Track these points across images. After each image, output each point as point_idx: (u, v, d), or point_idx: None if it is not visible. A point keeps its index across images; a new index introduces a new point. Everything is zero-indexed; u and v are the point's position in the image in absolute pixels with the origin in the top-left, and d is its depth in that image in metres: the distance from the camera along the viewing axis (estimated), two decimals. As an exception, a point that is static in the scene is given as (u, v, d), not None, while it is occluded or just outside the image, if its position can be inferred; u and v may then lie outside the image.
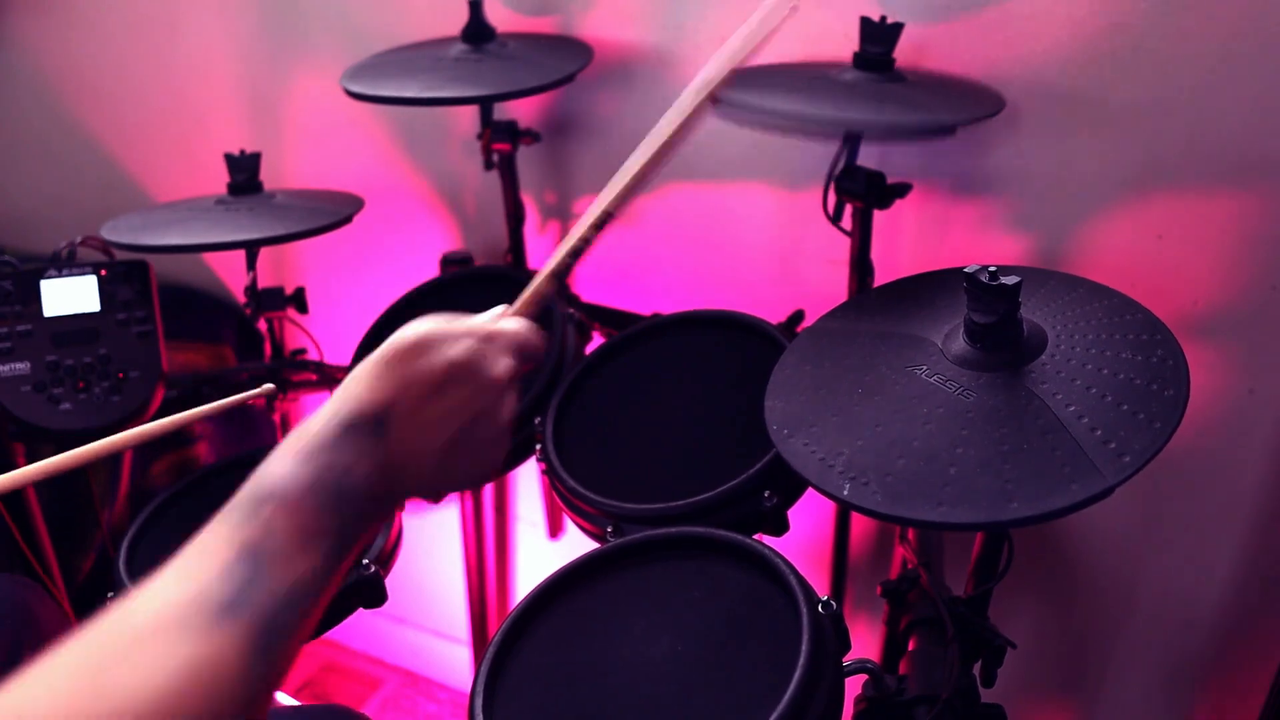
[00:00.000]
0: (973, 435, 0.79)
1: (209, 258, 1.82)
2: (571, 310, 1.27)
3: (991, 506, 0.73)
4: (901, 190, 1.15)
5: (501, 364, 0.70)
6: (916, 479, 0.77)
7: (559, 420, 1.14)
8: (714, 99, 0.82)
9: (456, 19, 1.31)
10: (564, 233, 1.54)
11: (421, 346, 0.68)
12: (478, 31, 1.31)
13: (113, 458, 1.59)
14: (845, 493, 0.78)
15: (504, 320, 0.73)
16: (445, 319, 0.70)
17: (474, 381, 0.68)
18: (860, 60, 1.10)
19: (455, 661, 1.93)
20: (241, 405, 0.86)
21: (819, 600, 0.80)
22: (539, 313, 0.78)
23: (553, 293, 0.78)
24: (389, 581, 1.08)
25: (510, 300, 0.80)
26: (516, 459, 1.20)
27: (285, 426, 1.48)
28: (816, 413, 0.88)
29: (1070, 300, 0.90)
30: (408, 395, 0.66)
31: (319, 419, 0.65)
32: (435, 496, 0.69)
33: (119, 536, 1.12)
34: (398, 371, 0.67)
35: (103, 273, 1.26)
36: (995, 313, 0.82)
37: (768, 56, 1.23)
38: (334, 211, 1.26)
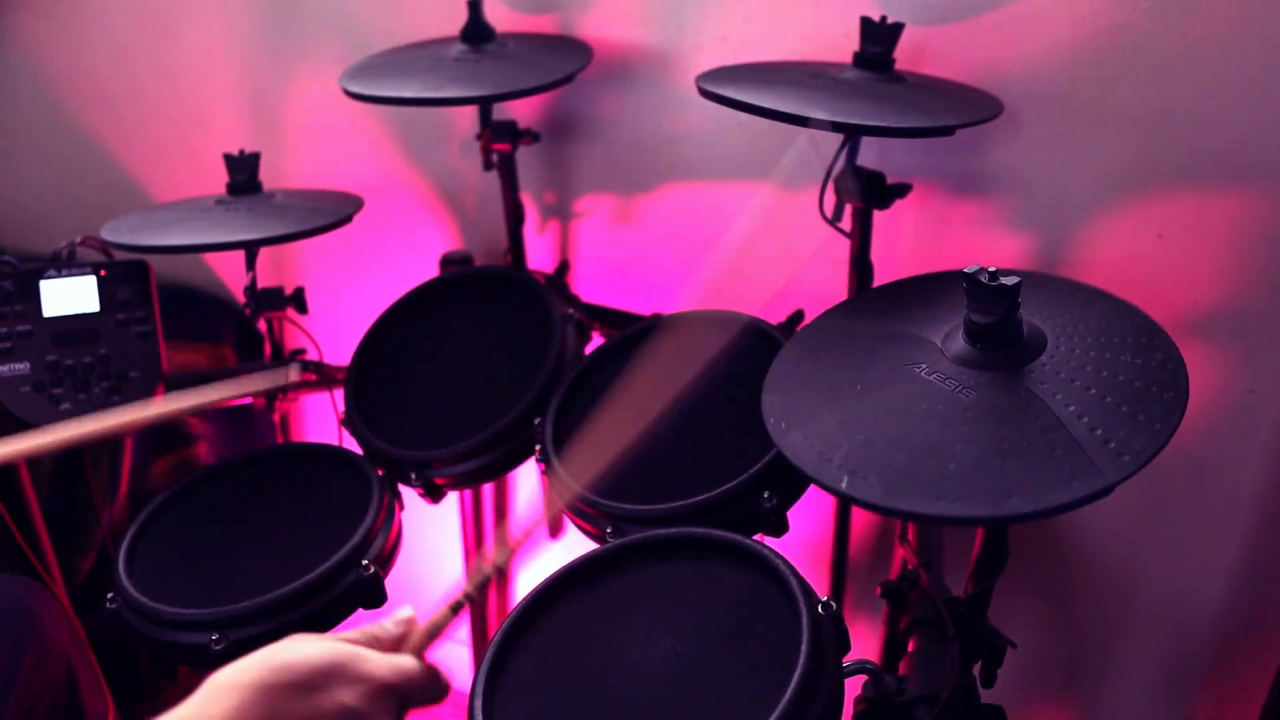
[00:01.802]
0: (972, 432, 0.79)
1: (209, 258, 1.82)
2: (571, 310, 1.27)
3: (991, 501, 0.73)
4: (901, 190, 1.15)
5: None
6: (916, 473, 0.77)
7: (559, 420, 1.14)
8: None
9: (456, 19, 1.31)
10: (564, 232, 1.54)
11: (304, 685, 0.62)
12: (477, 31, 1.31)
13: (112, 458, 1.59)
14: (844, 485, 0.78)
15: (400, 663, 0.69)
16: (336, 648, 0.65)
17: None
18: (860, 60, 1.10)
19: (455, 661, 1.93)
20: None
21: (819, 600, 0.80)
22: (430, 647, 0.76)
23: (444, 631, 0.76)
24: (389, 581, 1.08)
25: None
26: (516, 459, 1.20)
27: (285, 426, 1.48)
28: (815, 407, 0.88)
29: (1070, 303, 0.90)
30: None
31: None
32: None
33: (119, 536, 1.12)
34: (269, 707, 0.61)
35: (102, 273, 1.26)
36: (995, 313, 0.82)
37: (768, 55, 1.24)
38: (333, 211, 1.26)
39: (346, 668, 0.64)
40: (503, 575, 0.75)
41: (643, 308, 1.39)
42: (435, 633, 0.74)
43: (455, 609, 0.75)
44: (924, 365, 0.86)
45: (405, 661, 0.69)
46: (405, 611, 0.74)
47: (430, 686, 0.71)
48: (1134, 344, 0.83)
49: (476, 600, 0.76)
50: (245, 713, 0.60)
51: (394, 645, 0.72)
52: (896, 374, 0.87)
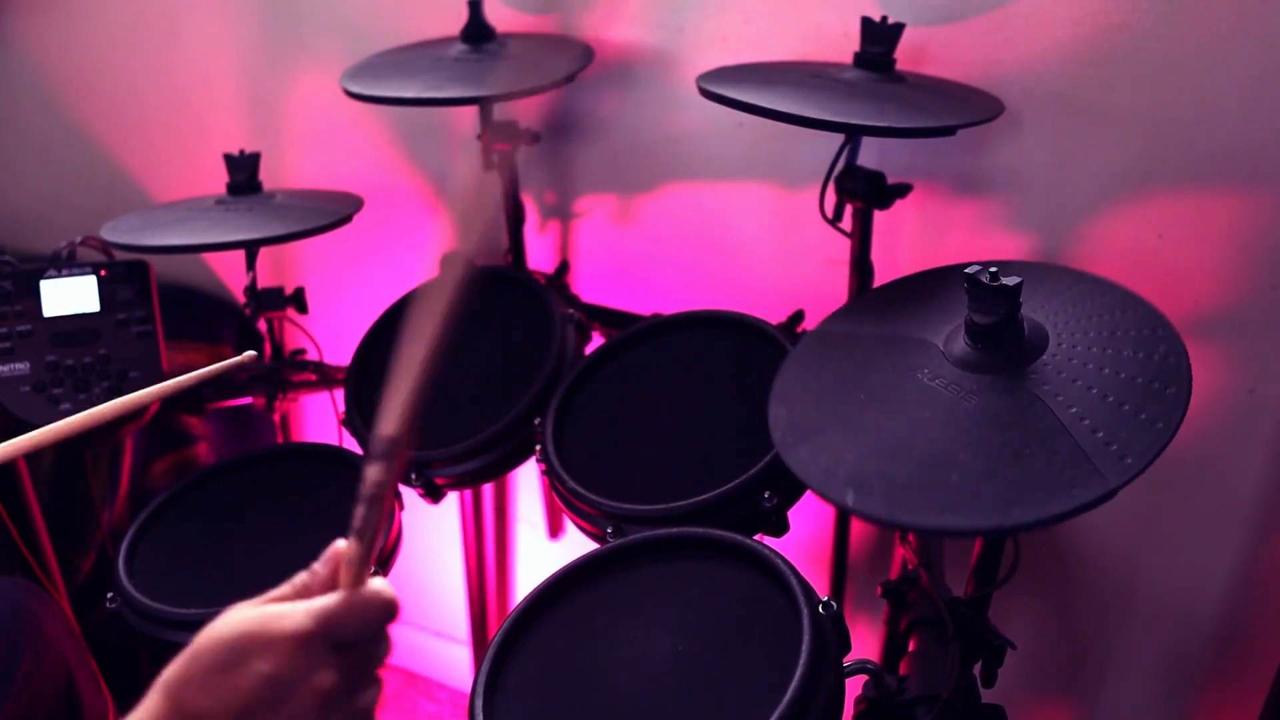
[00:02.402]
0: (974, 440, 0.79)
1: (209, 258, 1.82)
2: (571, 310, 1.27)
3: (993, 512, 0.73)
4: (901, 190, 1.15)
5: (321, 676, 0.59)
6: (919, 485, 0.77)
7: (559, 420, 1.14)
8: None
9: (456, 19, 1.31)
10: (564, 232, 1.54)
11: (219, 665, 0.58)
12: (477, 31, 1.31)
13: (112, 458, 1.59)
14: (849, 501, 0.78)
15: (318, 606, 0.60)
16: (248, 615, 0.59)
17: (289, 704, 0.58)
18: (861, 60, 1.10)
19: (455, 661, 1.93)
20: (224, 373, 0.83)
21: (819, 600, 0.80)
22: (364, 571, 0.63)
23: (368, 552, 0.63)
24: (389, 581, 1.08)
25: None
26: (516, 459, 1.20)
27: (285, 426, 1.48)
28: (820, 420, 0.88)
29: (1072, 296, 0.90)
30: None
31: None
32: None
33: (119, 536, 1.12)
34: (195, 692, 0.58)
35: (102, 273, 1.26)
36: (996, 313, 0.82)
37: (768, 55, 1.24)
38: (333, 211, 1.26)
39: (257, 634, 0.58)
40: (382, 491, 0.61)
41: (643, 308, 1.39)
42: (364, 552, 0.63)
43: (369, 529, 0.63)
44: (926, 370, 0.86)
45: (323, 603, 0.60)
46: (333, 547, 0.64)
47: (363, 615, 0.61)
48: (1136, 337, 0.83)
49: (391, 494, 0.65)
50: (174, 708, 0.58)
51: (327, 587, 0.63)
52: (900, 381, 0.87)
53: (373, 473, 0.63)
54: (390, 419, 0.64)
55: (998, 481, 0.75)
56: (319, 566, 0.64)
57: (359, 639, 0.61)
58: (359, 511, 0.64)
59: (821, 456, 0.83)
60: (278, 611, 0.60)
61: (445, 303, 0.69)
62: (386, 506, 0.64)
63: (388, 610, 0.62)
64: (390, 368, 0.65)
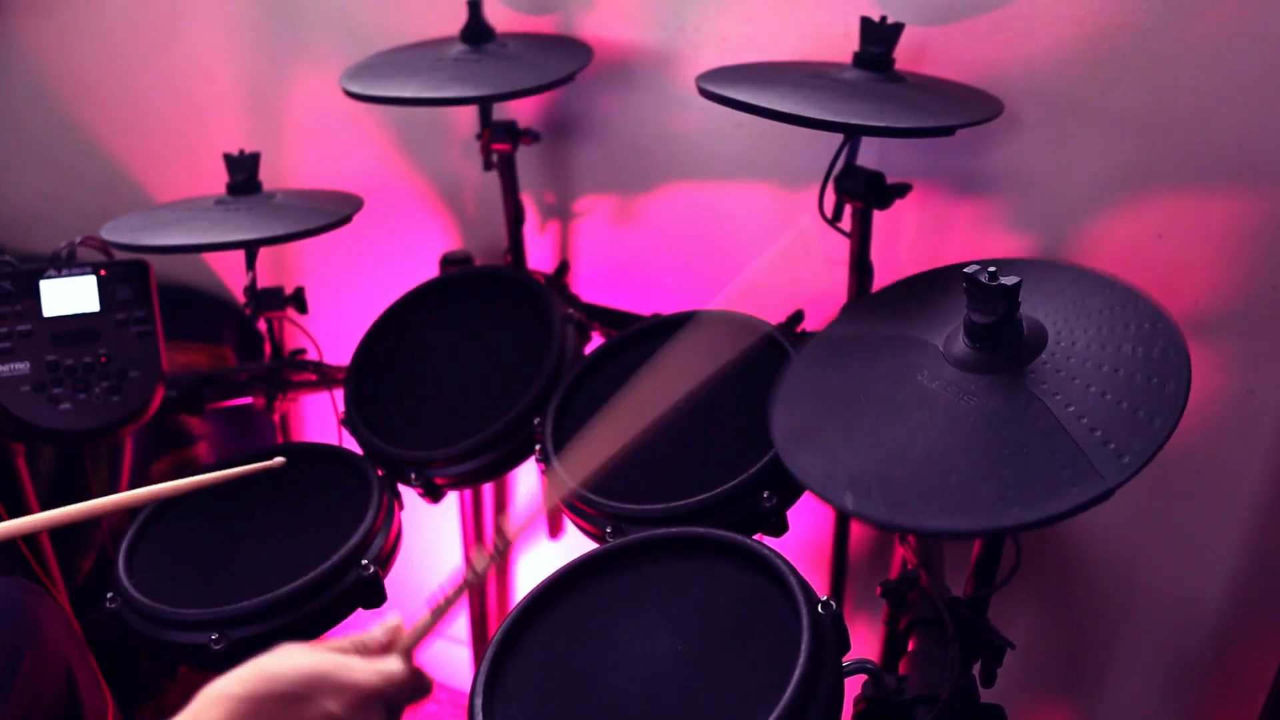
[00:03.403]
0: (973, 440, 0.79)
1: (209, 258, 1.82)
2: (571, 310, 1.27)
3: (991, 513, 0.74)
4: (901, 190, 1.15)
5: None
6: (917, 487, 0.77)
7: (559, 420, 1.14)
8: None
9: (456, 19, 1.31)
10: (564, 232, 1.54)
11: (291, 695, 0.64)
12: (477, 31, 1.31)
13: (112, 458, 1.59)
14: (849, 504, 0.79)
15: (386, 667, 0.71)
16: (322, 658, 0.67)
17: None
18: (860, 60, 1.10)
19: (455, 661, 1.93)
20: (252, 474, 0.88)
21: (819, 600, 0.80)
22: (417, 649, 0.76)
23: (434, 628, 0.76)
24: (389, 581, 1.08)
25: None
26: (516, 459, 1.20)
27: (285, 427, 1.48)
28: (821, 424, 0.89)
29: (1071, 293, 0.90)
30: None
31: None
32: None
33: (119, 536, 1.12)
34: (265, 711, 0.63)
35: (102, 273, 1.26)
36: (995, 313, 0.82)
37: (768, 55, 1.24)
38: (333, 211, 1.26)
39: (331, 677, 0.66)
40: (482, 579, 0.75)
41: (643, 308, 1.39)
42: (421, 635, 0.75)
43: (439, 612, 0.76)
44: (926, 371, 0.86)
45: (389, 666, 0.71)
46: (393, 619, 0.76)
47: (415, 688, 0.73)
48: (1135, 333, 0.83)
49: (459, 601, 0.77)
50: None
51: (381, 651, 0.74)
52: (899, 383, 0.87)
53: (479, 564, 0.77)
54: (513, 522, 0.79)
55: (996, 482, 0.75)
56: (378, 633, 0.74)
57: (402, 706, 0.71)
58: (445, 592, 0.76)
59: (821, 460, 0.84)
60: (350, 662, 0.68)
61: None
62: (469, 592, 0.76)
63: (428, 690, 0.74)
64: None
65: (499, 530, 0.83)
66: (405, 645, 0.74)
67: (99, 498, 0.80)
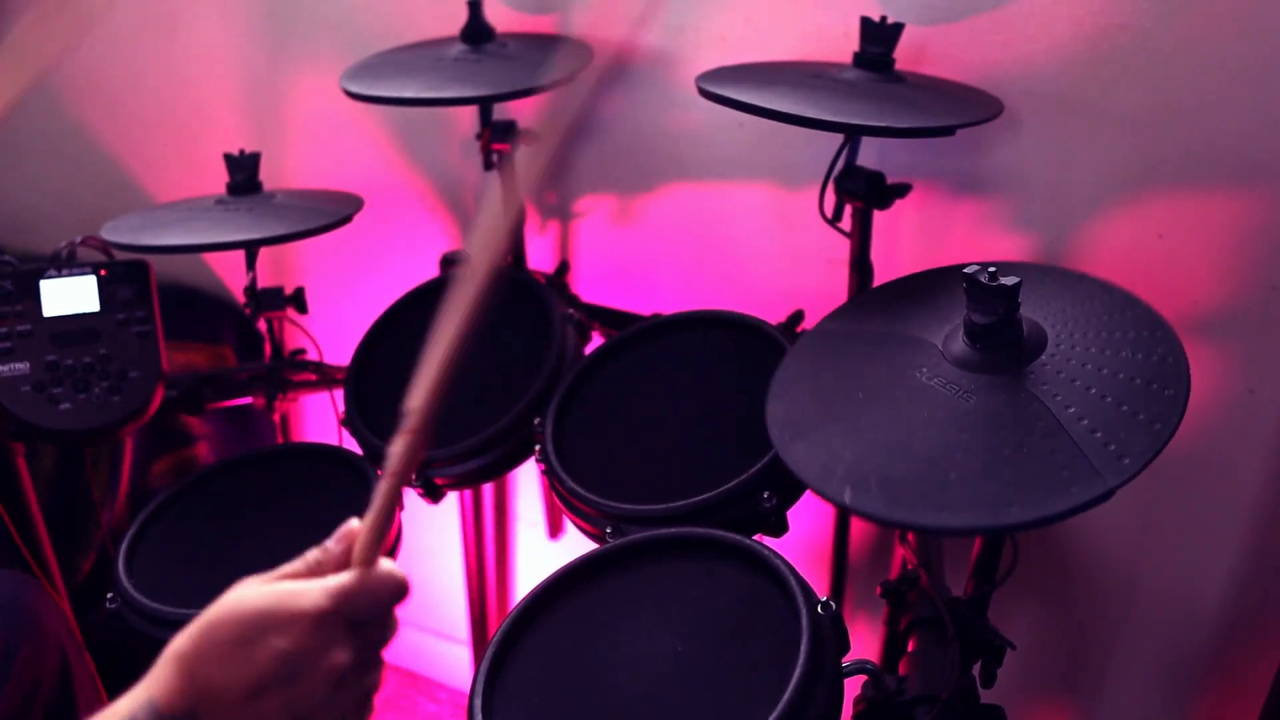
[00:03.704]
0: (973, 439, 0.79)
1: (209, 258, 1.82)
2: (571, 310, 1.27)
3: (991, 511, 0.73)
4: (901, 190, 1.15)
5: (336, 654, 0.60)
6: (917, 484, 0.77)
7: (559, 420, 1.14)
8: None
9: (456, 19, 1.31)
10: (564, 232, 1.54)
11: (237, 639, 0.58)
12: (477, 31, 1.31)
13: (112, 458, 1.59)
14: (847, 499, 0.78)
15: (333, 584, 0.61)
16: (267, 591, 0.60)
17: (303, 681, 0.59)
18: (860, 60, 1.10)
19: (455, 661, 1.93)
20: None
21: (819, 601, 0.80)
22: (376, 551, 0.64)
23: (383, 530, 0.65)
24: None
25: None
26: (516, 459, 1.20)
27: (285, 427, 1.48)
28: (818, 418, 0.88)
29: (1071, 298, 0.90)
30: (221, 698, 0.58)
31: (125, 706, 0.58)
32: None
33: (119, 536, 1.13)
34: (209, 666, 0.58)
35: (102, 273, 1.26)
36: (995, 313, 0.82)
37: (768, 55, 1.24)
38: (333, 211, 1.26)
39: (275, 610, 0.59)
40: (410, 466, 0.64)
41: (643, 308, 1.39)
42: (379, 532, 0.64)
43: (386, 506, 0.65)
44: (925, 369, 0.86)
45: (339, 581, 0.61)
46: (347, 524, 0.66)
47: (376, 594, 0.62)
48: (1135, 339, 0.83)
49: (410, 472, 0.66)
50: (188, 680, 0.58)
51: (339, 565, 0.64)
52: (898, 380, 0.87)
53: (396, 447, 0.65)
54: (418, 395, 0.67)
55: (996, 480, 0.75)
56: (332, 544, 0.65)
57: (372, 618, 0.62)
58: (378, 488, 0.65)
59: (819, 454, 0.84)
60: (295, 589, 0.60)
61: (478, 287, 0.71)
62: (404, 484, 0.65)
63: (399, 590, 0.63)
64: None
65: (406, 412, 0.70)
66: (362, 552, 0.63)
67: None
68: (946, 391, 0.83)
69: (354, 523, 0.65)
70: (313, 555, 0.64)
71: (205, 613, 0.60)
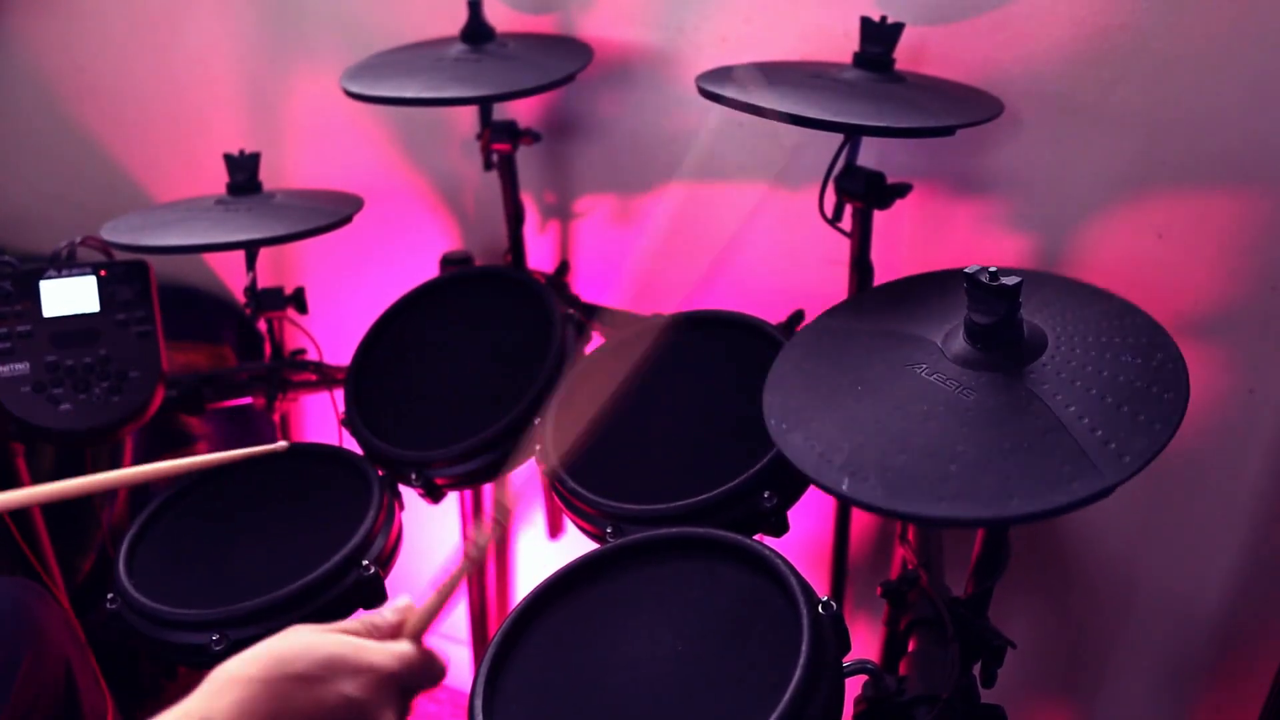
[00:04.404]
0: (973, 434, 0.79)
1: (209, 258, 1.82)
2: (571, 310, 1.27)
3: (992, 503, 0.73)
4: (901, 190, 1.15)
5: (386, 713, 0.66)
6: (916, 475, 0.77)
7: (559, 420, 1.14)
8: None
9: (456, 19, 1.31)
10: (564, 232, 1.54)
11: (307, 677, 0.62)
12: (477, 31, 1.31)
13: (112, 459, 1.59)
14: (844, 487, 0.78)
15: (400, 650, 0.69)
16: (337, 640, 0.66)
17: None
18: (860, 60, 1.10)
19: (455, 661, 1.93)
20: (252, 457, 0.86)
21: (819, 600, 0.80)
22: (428, 630, 0.74)
23: (443, 608, 0.74)
24: (389, 581, 1.08)
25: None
26: (516, 459, 1.20)
27: (285, 426, 1.48)
28: (815, 408, 0.88)
29: (1070, 303, 0.90)
30: None
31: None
32: None
33: (119, 536, 1.12)
34: (275, 700, 0.61)
35: (102, 273, 1.26)
36: (995, 313, 0.82)
37: (768, 55, 1.24)
38: (333, 211, 1.26)
39: (348, 659, 0.64)
40: (483, 554, 0.74)
41: (643, 308, 1.39)
42: (431, 617, 0.73)
43: (446, 592, 0.74)
44: (924, 366, 0.86)
45: (404, 648, 0.70)
46: (402, 600, 0.74)
47: (429, 671, 0.71)
48: (1135, 344, 0.83)
49: (462, 580, 0.75)
50: (250, 706, 0.60)
51: (392, 633, 0.72)
52: (897, 374, 0.87)
53: (480, 538, 0.75)
54: (508, 492, 0.76)
55: (996, 473, 0.75)
56: (389, 614, 0.73)
57: (418, 689, 0.70)
58: (450, 570, 0.73)
59: (816, 443, 0.83)
60: (366, 645, 0.67)
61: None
62: (472, 570, 0.71)
63: (443, 673, 0.73)
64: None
65: (497, 503, 0.82)
66: (415, 627, 0.73)
67: (101, 473, 0.77)
68: (946, 387, 0.83)
69: (406, 598, 0.74)
70: (369, 618, 0.71)
71: (269, 645, 0.64)
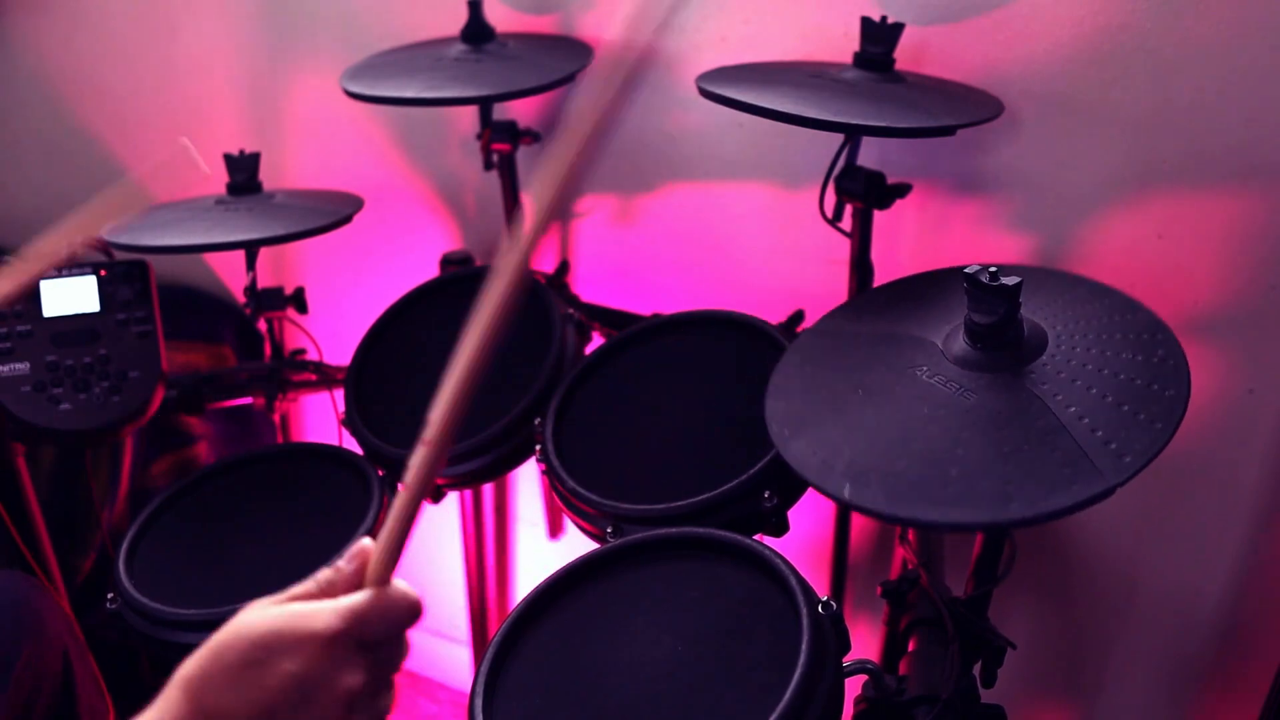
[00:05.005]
0: (973, 436, 0.79)
1: (209, 258, 1.82)
2: (571, 310, 1.27)
3: (992, 507, 0.73)
4: (901, 190, 1.15)
5: (348, 676, 0.58)
6: (918, 480, 0.77)
7: (559, 420, 1.14)
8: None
9: (456, 19, 1.31)
10: (564, 232, 1.54)
11: (245, 664, 0.57)
12: (477, 31, 1.31)
13: (112, 458, 1.59)
14: (846, 493, 0.78)
15: (346, 605, 0.59)
16: (278, 613, 0.58)
17: (314, 705, 0.57)
18: (860, 60, 1.10)
19: (455, 661, 1.93)
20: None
21: (819, 600, 0.80)
22: (391, 570, 0.62)
23: (398, 548, 0.62)
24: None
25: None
26: (516, 459, 1.20)
27: (285, 426, 1.48)
28: (817, 414, 0.88)
29: (1071, 300, 0.90)
30: None
31: None
32: None
33: (119, 536, 1.12)
34: (217, 691, 0.57)
35: (102, 273, 1.26)
36: (995, 313, 0.82)
37: (768, 55, 1.24)
38: (333, 211, 1.26)
39: (284, 632, 0.57)
40: (435, 476, 0.59)
41: (643, 308, 1.39)
42: (393, 550, 0.62)
43: (406, 514, 0.62)
44: (925, 368, 0.86)
45: (352, 601, 0.59)
46: (357, 545, 0.63)
47: (388, 615, 0.60)
48: (1135, 340, 0.83)
49: (421, 501, 0.63)
50: (191, 708, 0.58)
51: (352, 585, 0.62)
52: (898, 377, 0.87)
53: (414, 460, 0.62)
54: (439, 406, 0.64)
55: (996, 477, 0.75)
56: (344, 564, 0.62)
57: (385, 639, 0.60)
58: (394, 503, 0.63)
59: (818, 449, 0.84)
60: (305, 610, 0.59)
61: (504, 298, 0.68)
62: (421, 501, 0.62)
63: (413, 611, 0.62)
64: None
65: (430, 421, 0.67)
66: (376, 570, 0.61)
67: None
68: (947, 390, 0.83)
69: (366, 541, 0.63)
70: (324, 575, 0.62)
71: (214, 636, 0.59)
